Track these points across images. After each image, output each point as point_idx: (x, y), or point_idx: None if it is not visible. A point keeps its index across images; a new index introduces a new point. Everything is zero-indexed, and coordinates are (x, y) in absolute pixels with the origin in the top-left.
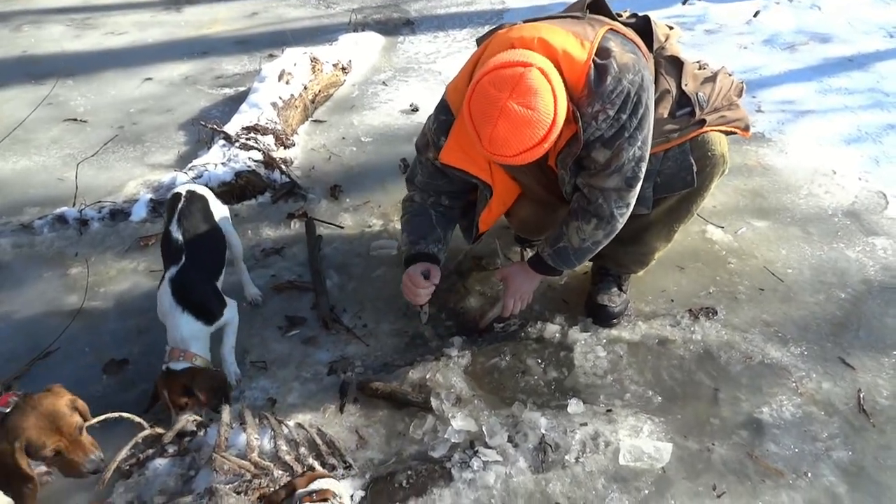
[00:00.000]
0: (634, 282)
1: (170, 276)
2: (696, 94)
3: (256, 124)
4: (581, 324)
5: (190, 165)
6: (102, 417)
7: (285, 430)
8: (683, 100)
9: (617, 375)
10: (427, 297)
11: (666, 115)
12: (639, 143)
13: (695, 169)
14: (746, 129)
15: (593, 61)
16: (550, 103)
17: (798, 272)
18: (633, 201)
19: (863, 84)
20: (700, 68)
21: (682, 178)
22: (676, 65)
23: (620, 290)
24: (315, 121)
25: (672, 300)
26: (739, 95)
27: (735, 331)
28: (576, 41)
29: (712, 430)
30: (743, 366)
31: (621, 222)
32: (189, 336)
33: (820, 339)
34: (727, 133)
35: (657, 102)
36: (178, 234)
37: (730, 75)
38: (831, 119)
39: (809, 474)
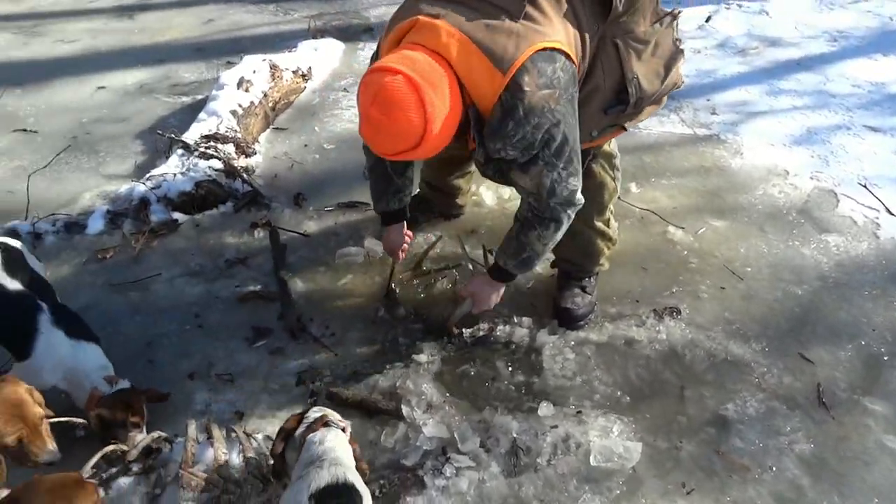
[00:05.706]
0: (600, 284)
1: (50, 322)
2: (637, 83)
3: (216, 133)
4: (549, 326)
5: (148, 175)
6: (66, 419)
7: (254, 444)
8: (622, 95)
9: (586, 377)
10: (400, 245)
11: (595, 111)
12: (560, 167)
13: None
14: (623, 127)
15: (500, 98)
16: (416, 115)
17: (757, 270)
18: (580, 203)
19: (810, 86)
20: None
21: None
22: (628, 47)
23: (584, 291)
24: (276, 128)
25: (637, 301)
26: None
27: (699, 329)
28: (485, 69)
29: (680, 427)
30: (707, 363)
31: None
32: (102, 361)
33: (780, 334)
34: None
35: (588, 100)
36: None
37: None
38: (782, 120)
39: (774, 468)
